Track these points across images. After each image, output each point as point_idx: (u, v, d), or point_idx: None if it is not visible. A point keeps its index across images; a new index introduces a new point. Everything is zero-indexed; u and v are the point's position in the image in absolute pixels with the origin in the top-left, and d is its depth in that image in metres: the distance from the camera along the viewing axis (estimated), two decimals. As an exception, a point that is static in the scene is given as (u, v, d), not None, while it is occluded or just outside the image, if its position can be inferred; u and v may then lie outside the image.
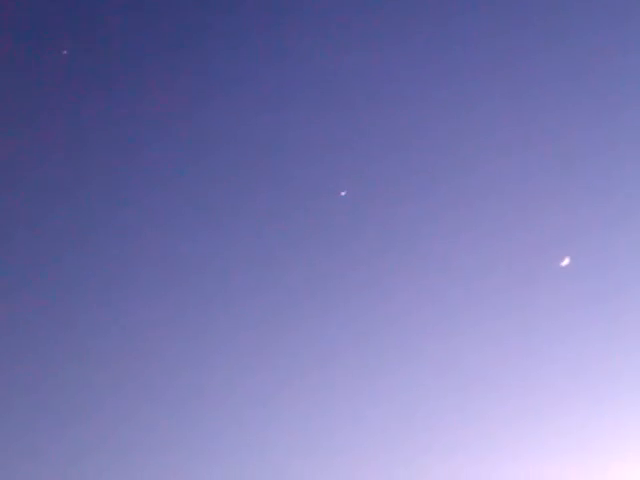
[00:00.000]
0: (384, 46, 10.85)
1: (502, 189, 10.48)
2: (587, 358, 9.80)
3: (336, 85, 10.89)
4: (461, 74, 10.74)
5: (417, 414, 9.84)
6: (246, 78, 11.04)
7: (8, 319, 10.35)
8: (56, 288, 10.56)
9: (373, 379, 10.04)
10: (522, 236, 10.28)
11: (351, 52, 10.85)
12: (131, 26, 11.13)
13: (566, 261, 9.81)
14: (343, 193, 10.35)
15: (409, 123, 10.74)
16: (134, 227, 10.77)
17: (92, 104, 11.03)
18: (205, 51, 11.09)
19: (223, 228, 10.77)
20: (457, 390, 9.86)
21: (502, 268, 10.21)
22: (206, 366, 10.28)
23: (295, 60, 11.00)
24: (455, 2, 10.86)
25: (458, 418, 9.73)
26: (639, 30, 10.43)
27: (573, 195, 10.34)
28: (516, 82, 10.65)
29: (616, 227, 10.14)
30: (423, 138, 10.71)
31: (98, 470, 9.68)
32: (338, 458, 9.69)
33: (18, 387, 10.04)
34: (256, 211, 10.71)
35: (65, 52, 10.63)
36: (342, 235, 10.54)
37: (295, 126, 10.90)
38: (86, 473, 9.68)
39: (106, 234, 10.76)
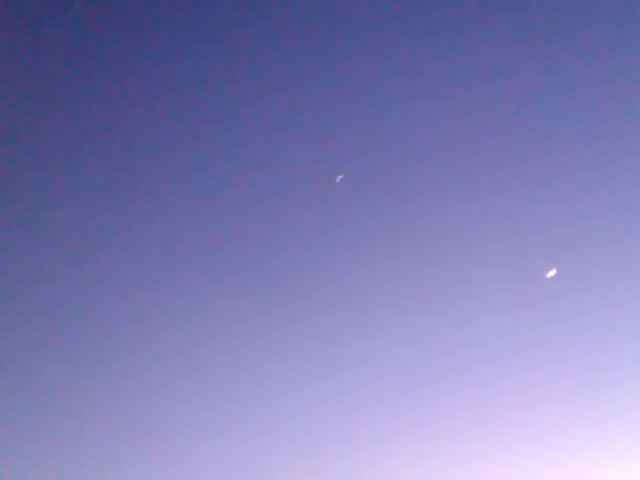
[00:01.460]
0: (391, 34, 10.84)
1: (495, 198, 10.51)
2: (574, 365, 9.91)
3: (336, 70, 10.90)
4: (467, 73, 10.71)
5: (412, 415, 9.95)
6: (243, 62, 11.02)
7: (8, 320, 10.42)
8: (54, 288, 10.62)
9: (369, 382, 10.13)
10: (512, 245, 10.34)
11: (356, 38, 10.82)
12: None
13: (552, 272, 9.81)
14: (339, 178, 10.26)
15: (411, 113, 10.77)
16: (130, 222, 10.81)
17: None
18: (208, 35, 11.05)
19: (217, 212, 10.81)
20: (452, 393, 9.95)
21: (493, 273, 10.30)
22: (203, 365, 10.37)
23: (293, 44, 10.97)
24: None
25: (453, 421, 9.83)
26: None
27: (560, 207, 10.39)
28: (517, 93, 10.64)
29: (603, 238, 10.21)
30: (424, 129, 10.73)
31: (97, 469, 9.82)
32: (335, 459, 9.83)
33: (17, 389, 10.13)
34: (251, 197, 10.74)
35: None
36: (337, 220, 10.60)
37: (292, 110, 10.92)
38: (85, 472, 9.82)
39: (103, 233, 10.80)
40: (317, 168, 10.57)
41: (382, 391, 9.98)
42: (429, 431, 9.72)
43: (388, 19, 10.73)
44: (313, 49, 10.88)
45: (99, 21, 10.95)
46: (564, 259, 9.99)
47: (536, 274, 9.89)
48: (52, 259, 10.60)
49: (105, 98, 10.99)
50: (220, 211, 10.76)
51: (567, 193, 10.37)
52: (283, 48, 10.87)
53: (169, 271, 10.53)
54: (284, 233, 10.60)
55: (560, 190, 10.37)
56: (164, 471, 9.72)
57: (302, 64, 10.91)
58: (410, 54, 10.78)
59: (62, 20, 10.76)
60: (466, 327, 10.12)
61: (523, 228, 10.32)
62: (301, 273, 10.47)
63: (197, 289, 10.46)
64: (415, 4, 10.75)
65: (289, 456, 9.75)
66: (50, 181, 10.90)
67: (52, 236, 10.72)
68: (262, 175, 10.75)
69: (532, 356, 9.89)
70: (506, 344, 10.00)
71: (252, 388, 10.13)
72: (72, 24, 10.84)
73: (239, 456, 9.84)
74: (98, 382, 10.11)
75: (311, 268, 10.53)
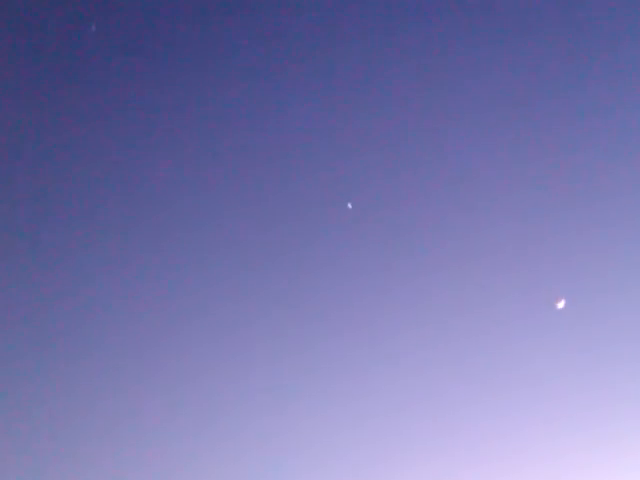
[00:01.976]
0: (397, 60, 10.86)
1: (501, 228, 10.49)
2: (583, 400, 9.82)
3: (349, 98, 10.85)
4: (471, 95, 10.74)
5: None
6: (252, 80, 10.97)
7: (8, 320, 10.36)
8: (54, 289, 10.56)
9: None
10: (518, 276, 10.30)
11: (363, 63, 10.84)
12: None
13: (561, 303, 9.80)
14: (350, 205, 10.32)
15: (423, 138, 10.76)
16: (133, 232, 10.77)
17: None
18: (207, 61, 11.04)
19: (225, 238, 10.74)
20: (458, 426, 9.90)
21: (499, 305, 10.24)
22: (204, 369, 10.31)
23: (303, 66, 10.92)
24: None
25: (459, 453, 9.81)
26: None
27: (569, 235, 10.35)
28: (529, 120, 10.65)
29: (613, 269, 10.14)
30: (434, 157, 10.73)
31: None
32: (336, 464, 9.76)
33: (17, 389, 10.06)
34: (260, 222, 10.69)
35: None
36: (347, 247, 10.56)
37: (302, 134, 10.87)
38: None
39: (104, 234, 10.75)
40: (327, 194, 10.63)
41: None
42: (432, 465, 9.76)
43: (403, 53, 10.85)
44: (324, 74, 10.94)
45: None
46: (575, 290, 10.01)
47: (546, 305, 9.91)
48: (52, 258, 10.61)
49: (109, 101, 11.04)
50: (231, 236, 10.76)
51: (578, 222, 10.38)
52: (293, 73, 10.93)
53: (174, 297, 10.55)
54: (295, 258, 10.60)
55: (571, 219, 10.39)
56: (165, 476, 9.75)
57: (311, 90, 10.96)
58: (417, 79, 10.86)
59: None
60: (475, 357, 10.10)
61: (533, 258, 10.30)
62: (311, 296, 10.51)
63: (205, 315, 10.48)
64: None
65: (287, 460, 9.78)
66: (49, 180, 10.90)
67: (51, 235, 10.72)
68: (273, 200, 10.79)
69: (542, 389, 9.87)
70: (515, 377, 9.98)
71: (256, 394, 10.15)
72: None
73: (241, 463, 9.86)
74: (100, 392, 10.10)
75: (321, 291, 10.54)
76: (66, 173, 10.82)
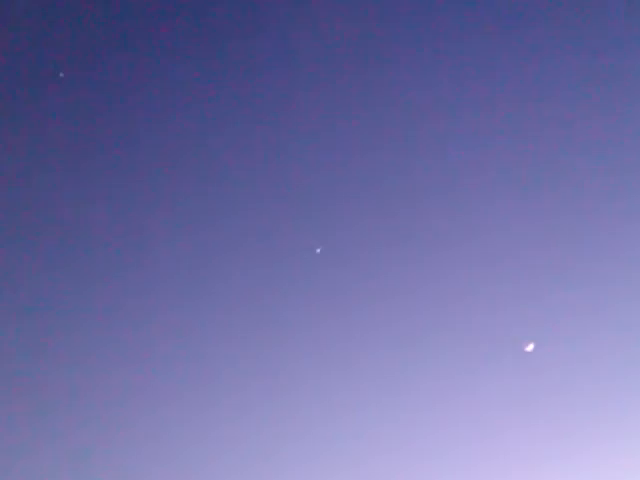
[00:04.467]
0: (369, 101, 10.83)
1: (471, 274, 10.47)
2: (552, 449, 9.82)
3: (315, 140, 10.85)
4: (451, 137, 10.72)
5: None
6: (223, 131, 10.94)
7: (9, 321, 10.43)
8: (54, 288, 10.60)
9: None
10: (487, 320, 10.30)
11: (334, 108, 10.82)
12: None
13: (530, 347, 9.88)
14: (318, 250, 10.36)
15: (394, 182, 10.73)
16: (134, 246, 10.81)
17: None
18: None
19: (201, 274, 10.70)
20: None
21: (469, 349, 10.23)
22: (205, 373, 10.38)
23: (276, 111, 10.91)
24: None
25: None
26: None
27: (538, 280, 10.36)
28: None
29: (581, 314, 10.19)
30: (404, 202, 10.69)
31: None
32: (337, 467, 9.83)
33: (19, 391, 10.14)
34: (231, 268, 10.64)
35: (62, 74, 10.61)
36: (316, 292, 10.53)
37: (272, 179, 10.87)
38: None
39: (105, 236, 10.79)
40: (296, 240, 10.61)
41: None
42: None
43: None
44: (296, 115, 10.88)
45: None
46: (544, 333, 10.05)
47: (515, 348, 9.98)
48: (53, 258, 10.67)
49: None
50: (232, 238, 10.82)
51: (544, 266, 10.37)
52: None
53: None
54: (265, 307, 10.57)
55: (537, 262, 10.40)
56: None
57: (283, 129, 10.89)
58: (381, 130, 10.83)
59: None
60: (447, 402, 10.08)
61: (501, 301, 10.31)
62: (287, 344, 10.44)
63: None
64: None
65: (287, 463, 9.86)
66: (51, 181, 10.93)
67: (52, 235, 10.77)
68: (242, 248, 10.73)
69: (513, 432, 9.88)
70: (487, 423, 9.98)
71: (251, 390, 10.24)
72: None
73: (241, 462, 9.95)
74: (101, 388, 10.18)
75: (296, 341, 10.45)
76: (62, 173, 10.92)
